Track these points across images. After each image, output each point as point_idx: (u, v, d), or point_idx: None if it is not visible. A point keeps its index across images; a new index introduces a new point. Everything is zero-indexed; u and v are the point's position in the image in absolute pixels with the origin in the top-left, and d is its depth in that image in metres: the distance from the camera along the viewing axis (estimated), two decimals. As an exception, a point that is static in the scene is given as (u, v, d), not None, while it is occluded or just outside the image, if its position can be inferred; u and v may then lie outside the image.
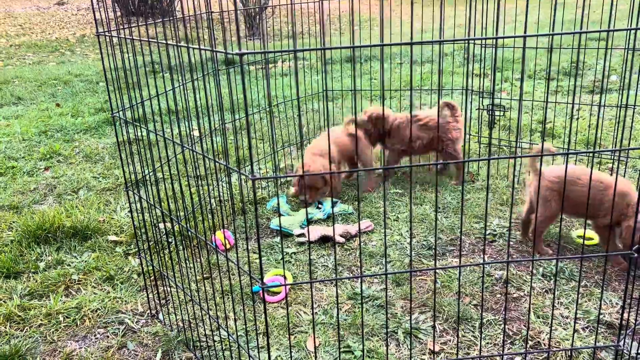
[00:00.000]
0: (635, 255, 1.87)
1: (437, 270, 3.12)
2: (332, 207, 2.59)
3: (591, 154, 3.47)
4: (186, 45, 1.73)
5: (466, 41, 4.14)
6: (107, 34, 2.27)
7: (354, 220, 3.76)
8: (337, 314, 1.90)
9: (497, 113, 4.35)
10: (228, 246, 3.41)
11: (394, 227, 3.65)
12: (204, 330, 2.58)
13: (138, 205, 2.64)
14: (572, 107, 3.01)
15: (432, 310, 2.49)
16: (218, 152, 4.76)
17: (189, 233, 2.42)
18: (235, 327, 2.32)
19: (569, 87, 6.64)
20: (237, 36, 1.35)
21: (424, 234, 3.53)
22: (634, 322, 2.37)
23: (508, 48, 4.48)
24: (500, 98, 4.31)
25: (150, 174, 2.52)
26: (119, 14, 14.81)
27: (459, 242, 3.44)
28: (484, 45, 4.12)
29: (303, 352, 2.53)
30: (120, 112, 2.50)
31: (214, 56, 3.23)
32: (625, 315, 2.58)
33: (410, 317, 2.16)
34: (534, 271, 3.07)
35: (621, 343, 2.20)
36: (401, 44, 1.45)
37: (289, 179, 4.42)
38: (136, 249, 3.33)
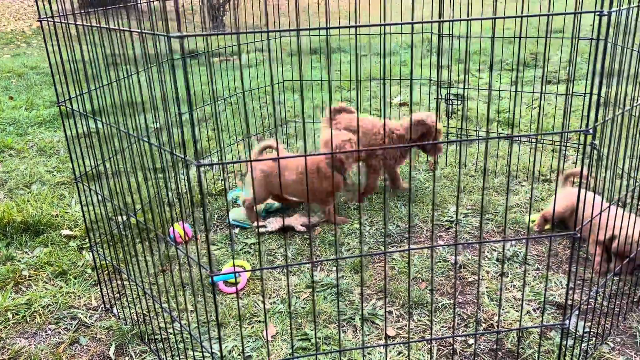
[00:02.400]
0: (578, 235, 1.92)
1: (395, 258, 3.15)
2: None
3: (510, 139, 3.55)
4: (128, 29, 1.68)
5: (412, 24, 4.17)
6: (49, 19, 2.20)
7: (314, 210, 3.75)
8: (289, 302, 1.89)
9: (455, 103, 4.40)
10: (186, 238, 3.36)
11: (354, 216, 3.66)
12: (159, 323, 2.54)
13: (94, 198, 2.58)
14: (515, 95, 3.06)
15: (384, 295, 2.51)
16: (175, 145, 4.68)
17: (145, 226, 2.37)
18: (189, 319, 2.29)
19: (515, 77, 6.78)
20: (177, 18, 1.31)
21: (383, 222, 3.56)
22: (578, 301, 2.45)
23: (473, 38, 4.52)
24: (458, 88, 4.37)
25: (100, 165, 2.45)
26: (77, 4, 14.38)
27: (415, 229, 3.48)
28: (441, 35, 4.16)
29: (260, 342, 2.52)
30: (67, 102, 2.42)
31: (168, 44, 3.17)
32: (571, 295, 2.66)
33: (362, 304, 2.17)
34: (489, 255, 3.13)
35: (567, 322, 2.27)
36: (376, 24, 1.44)
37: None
38: (92, 243, 3.25)
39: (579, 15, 3.74)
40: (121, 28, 1.73)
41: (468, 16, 4.10)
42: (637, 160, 2.58)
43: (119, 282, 2.85)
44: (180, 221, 3.47)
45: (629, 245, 2.67)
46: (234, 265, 1.93)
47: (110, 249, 2.99)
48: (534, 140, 4.56)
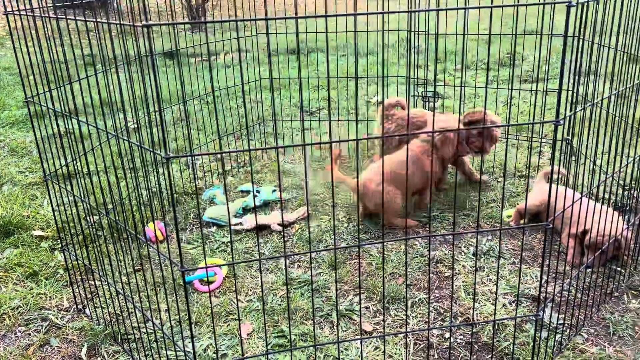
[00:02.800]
0: (550, 226, 1.94)
1: (373, 254, 3.15)
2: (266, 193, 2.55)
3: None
4: (93, 20, 1.65)
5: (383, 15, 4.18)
6: (15, 12, 2.14)
7: (292, 207, 3.73)
8: (262, 298, 1.87)
9: (432, 100, 4.42)
10: (161, 237, 3.31)
11: (331, 213, 3.65)
12: (132, 322, 2.49)
13: (66, 197, 2.52)
14: (486, 92, 3.08)
15: (358, 291, 2.50)
16: (146, 143, 4.62)
17: (118, 226, 2.33)
18: (162, 318, 2.25)
19: (486, 75, 6.85)
20: (144, 5, 1.28)
21: (361, 218, 3.55)
22: (552, 293, 2.47)
23: (450, 37, 4.55)
24: (435, 85, 4.39)
25: (70, 163, 2.40)
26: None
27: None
28: (417, 32, 4.18)
29: (236, 340, 2.49)
30: (36, 97, 2.37)
31: (144, 45, 3.12)
32: (547, 287, 2.69)
33: (337, 299, 2.16)
34: (465, 250, 3.14)
35: (540, 313, 2.28)
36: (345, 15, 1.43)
37: (227, 168, 4.35)
38: (63, 243, 3.19)
39: (552, 14, 3.79)
40: (87, 19, 1.69)
41: (438, 14, 4.12)
42: (609, 153, 2.62)
43: (92, 282, 2.80)
44: (155, 220, 3.42)
45: (601, 237, 2.70)
46: (206, 265, 1.90)
47: (83, 249, 2.94)
48: (511, 136, 4.60)
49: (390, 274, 2.95)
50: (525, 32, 6.06)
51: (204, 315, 2.64)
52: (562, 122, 1.83)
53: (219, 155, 4.54)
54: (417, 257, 3.10)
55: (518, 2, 3.26)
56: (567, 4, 1.72)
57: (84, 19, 1.73)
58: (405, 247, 2.05)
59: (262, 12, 12.03)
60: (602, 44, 2.75)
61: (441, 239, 3.28)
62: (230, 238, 2.09)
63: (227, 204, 1.70)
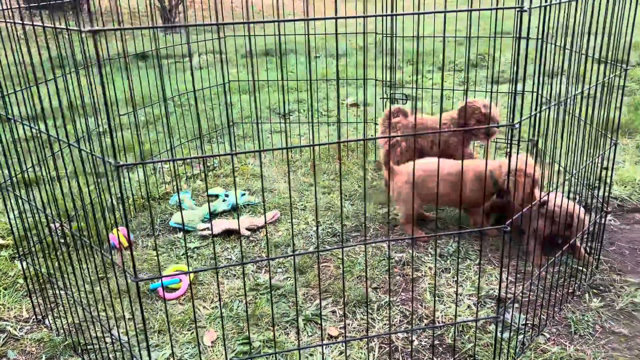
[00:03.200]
0: (508, 229, 1.95)
1: (340, 257, 3.14)
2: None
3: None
4: (41, 25, 1.60)
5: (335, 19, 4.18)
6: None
7: (261, 211, 3.71)
8: (220, 306, 1.84)
9: (402, 102, 4.44)
10: (126, 244, 3.25)
11: (300, 217, 3.63)
12: (91, 333, 2.44)
13: (25, 205, 2.46)
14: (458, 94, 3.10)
15: (319, 295, 2.49)
16: (108, 149, 4.55)
17: (80, 233, 2.28)
18: (126, 327, 2.21)
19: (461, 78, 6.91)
20: (89, 11, 1.25)
21: (330, 222, 3.54)
22: (514, 294, 2.49)
23: (424, 39, 4.58)
24: (410, 88, 4.41)
25: (28, 170, 2.34)
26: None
27: (363, 228, 3.48)
28: (384, 35, 4.19)
29: (200, 347, 2.46)
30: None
31: (122, 49, 3.07)
32: (511, 288, 2.71)
33: (297, 302, 2.15)
34: (432, 252, 3.16)
35: (501, 315, 2.30)
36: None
37: (195, 172, 4.31)
38: (21, 252, 3.11)
39: (519, 15, 3.83)
40: (35, 24, 1.65)
41: (413, 18, 4.14)
42: (573, 154, 2.65)
43: (53, 291, 2.73)
44: (120, 227, 3.36)
45: (558, 208, 2.74)
46: (160, 275, 1.86)
47: (43, 258, 2.87)
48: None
49: (357, 277, 2.95)
50: (498, 35, 6.14)
51: (167, 323, 2.60)
52: (517, 126, 1.85)
53: (188, 160, 4.49)
54: (384, 259, 3.10)
55: (472, 7, 3.28)
56: (519, 9, 1.74)
57: (31, 23, 1.68)
58: (365, 252, 2.04)
59: (239, 11, 11.96)
60: (565, 46, 2.79)
61: (409, 241, 3.29)
62: (184, 239, 2.06)
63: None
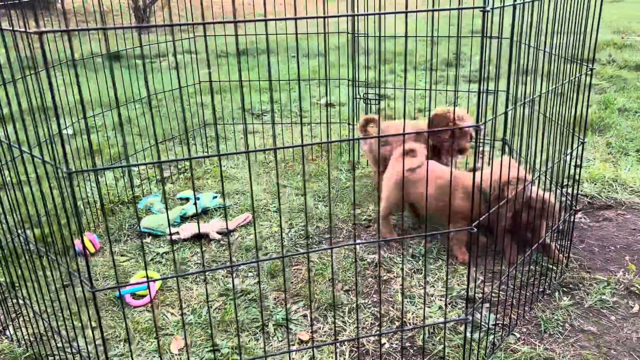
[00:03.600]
0: (475, 230, 1.94)
1: (313, 259, 3.11)
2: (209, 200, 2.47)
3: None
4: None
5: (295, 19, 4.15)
6: None
7: (232, 214, 3.65)
8: (182, 314, 1.79)
9: (373, 102, 4.42)
10: (93, 250, 3.18)
11: (273, 219, 3.59)
12: (53, 344, 2.36)
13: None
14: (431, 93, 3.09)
15: (285, 298, 2.45)
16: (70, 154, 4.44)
17: (45, 241, 2.21)
18: (79, 337, 2.14)
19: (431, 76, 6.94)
20: (34, 15, 1.19)
21: (303, 224, 3.51)
22: (483, 295, 2.49)
23: (390, 38, 4.57)
24: (377, 87, 4.38)
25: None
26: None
27: (335, 228, 3.45)
28: (357, 35, 4.17)
29: (167, 355, 2.40)
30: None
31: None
32: (483, 287, 2.71)
33: (262, 306, 2.10)
34: (404, 252, 3.14)
35: (470, 317, 2.29)
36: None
37: (165, 175, 4.23)
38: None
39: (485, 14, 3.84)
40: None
41: (376, 16, 4.12)
42: (547, 152, 2.66)
43: (14, 302, 2.64)
44: (86, 233, 3.28)
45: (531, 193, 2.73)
46: (118, 284, 1.80)
47: (4, 267, 2.77)
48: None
49: (329, 279, 2.92)
50: (468, 35, 6.16)
51: (134, 331, 2.54)
52: (482, 127, 1.83)
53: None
54: (356, 261, 3.08)
55: (434, 7, 3.32)
56: (481, 9, 1.72)
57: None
58: (331, 257, 2.01)
59: (216, 10, 11.84)
60: (533, 45, 2.79)
61: (382, 242, 3.27)
62: (141, 251, 2.00)
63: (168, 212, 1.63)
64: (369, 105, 4.34)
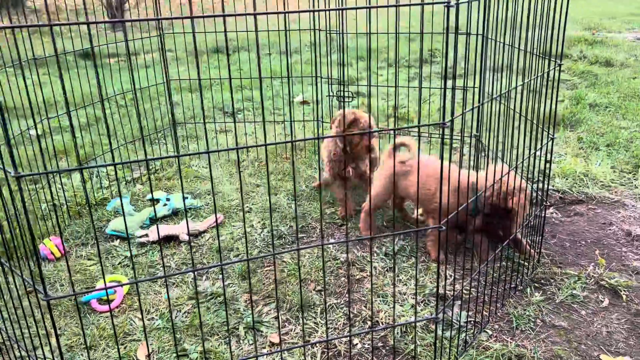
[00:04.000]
0: (444, 228, 1.92)
1: (285, 260, 3.06)
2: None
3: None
4: None
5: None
6: None
7: (203, 214, 3.58)
8: (142, 318, 1.73)
9: (347, 99, 4.39)
10: (58, 254, 3.08)
11: (245, 219, 3.53)
12: (16, 353, 2.28)
13: None
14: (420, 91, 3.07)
15: (250, 298, 2.41)
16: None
17: (5, 246, 2.12)
18: (43, 345, 2.06)
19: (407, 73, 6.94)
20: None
21: (276, 224, 3.46)
22: (454, 293, 2.48)
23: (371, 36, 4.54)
24: (348, 84, 4.37)
25: None
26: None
27: (307, 228, 3.41)
28: (329, 32, 4.13)
29: (132, 362, 2.33)
30: None
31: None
32: (454, 285, 2.70)
33: (227, 311, 2.05)
34: (377, 251, 3.12)
35: (440, 315, 2.28)
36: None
37: (135, 176, 4.14)
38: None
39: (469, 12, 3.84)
40: None
41: (340, 12, 4.09)
42: (511, 148, 2.66)
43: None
44: (51, 237, 3.19)
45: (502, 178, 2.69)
46: (75, 293, 1.73)
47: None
48: (425, 134, 4.65)
49: (302, 280, 2.88)
50: (437, 31, 6.18)
51: (100, 338, 2.46)
52: (447, 124, 1.81)
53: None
54: (329, 260, 3.04)
55: (398, 2, 3.29)
56: (445, 4, 1.70)
57: None
58: (297, 256, 1.97)
59: (182, 11, 11.70)
60: (501, 41, 2.79)
61: (351, 242, 3.25)
62: (128, 250, 1.93)
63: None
64: (343, 103, 4.31)
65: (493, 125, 2.60)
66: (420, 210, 3.40)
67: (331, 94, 4.30)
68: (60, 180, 3.62)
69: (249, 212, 3.63)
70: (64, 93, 1.45)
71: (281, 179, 4.13)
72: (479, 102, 3.79)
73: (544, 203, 2.93)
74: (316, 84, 4.29)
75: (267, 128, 5.05)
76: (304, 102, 6.00)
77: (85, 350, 2.39)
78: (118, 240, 3.27)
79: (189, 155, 1.63)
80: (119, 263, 3.06)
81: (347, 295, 2.75)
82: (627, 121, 5.03)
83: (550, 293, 2.72)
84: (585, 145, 4.52)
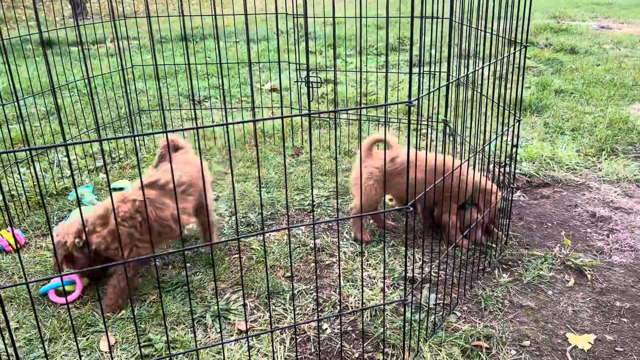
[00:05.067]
0: (411, 209, 1.90)
1: (254, 247, 3.01)
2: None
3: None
4: None
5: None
6: None
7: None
8: (101, 308, 1.66)
9: (315, 85, 4.34)
10: (18, 246, 2.96)
11: (216, 208, 3.46)
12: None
13: None
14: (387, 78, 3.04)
15: (214, 284, 2.36)
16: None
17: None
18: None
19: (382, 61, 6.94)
20: None
21: (244, 211, 3.40)
22: (422, 274, 2.47)
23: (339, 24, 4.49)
24: (317, 69, 4.32)
25: None
26: None
27: (277, 215, 3.37)
28: (295, 16, 4.06)
29: (96, 354, 2.25)
30: None
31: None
32: (422, 269, 2.70)
33: (190, 303, 2.00)
34: (347, 236, 3.09)
35: (409, 298, 2.27)
36: None
37: (99, 165, 4.02)
38: None
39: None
40: None
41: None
42: (479, 132, 2.66)
43: None
44: (8, 227, 3.06)
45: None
46: (29, 285, 1.64)
47: None
48: (394, 119, 4.65)
49: (270, 267, 2.83)
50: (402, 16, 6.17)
51: (60, 330, 2.37)
52: (414, 102, 1.78)
53: (91, 151, 4.18)
54: (298, 246, 3.00)
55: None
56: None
57: None
58: (263, 239, 1.92)
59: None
60: (467, 24, 2.78)
61: (324, 226, 3.22)
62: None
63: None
64: (312, 89, 4.26)
65: (461, 111, 2.61)
66: (388, 196, 3.38)
67: (299, 79, 4.24)
68: (19, 169, 3.48)
69: (216, 200, 3.56)
70: (11, 80, 1.36)
71: (249, 166, 4.06)
72: (447, 86, 3.79)
73: (512, 186, 2.95)
74: (281, 70, 4.22)
75: (234, 115, 4.97)
76: (272, 89, 5.93)
77: (45, 343, 2.30)
78: (80, 231, 3.16)
79: (146, 134, 1.56)
80: (81, 253, 2.95)
81: (316, 281, 2.72)
82: (591, 107, 5.13)
83: (517, 274, 2.74)
84: (551, 130, 4.58)
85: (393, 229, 3.17)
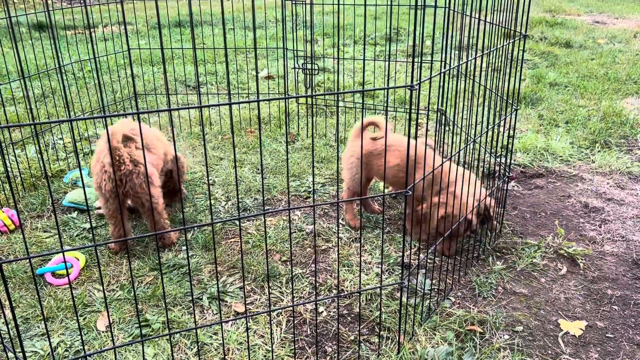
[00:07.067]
0: (410, 193, 1.92)
1: (250, 232, 3.03)
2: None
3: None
4: None
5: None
6: None
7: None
8: (103, 289, 1.67)
9: (313, 72, 4.34)
10: (12, 227, 2.95)
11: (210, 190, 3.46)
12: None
13: None
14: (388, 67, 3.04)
15: (215, 265, 2.37)
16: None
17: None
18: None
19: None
20: None
21: (240, 196, 3.41)
22: (418, 261, 2.50)
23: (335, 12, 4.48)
24: (313, 57, 4.32)
25: None
26: None
27: (273, 200, 3.38)
28: (294, 2, 4.05)
29: (93, 334, 2.26)
30: None
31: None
32: (419, 254, 2.72)
33: (191, 285, 2.01)
34: (342, 222, 3.12)
35: (405, 282, 2.29)
36: None
37: (93, 148, 4.00)
38: None
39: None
40: None
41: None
42: (477, 122, 2.67)
43: None
44: (4, 209, 3.05)
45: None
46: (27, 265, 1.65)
47: None
48: (391, 109, 4.66)
49: (267, 251, 2.84)
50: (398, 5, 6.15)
51: (57, 310, 2.38)
52: (416, 87, 1.80)
53: (86, 134, 4.16)
54: (295, 232, 3.02)
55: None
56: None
57: None
58: (264, 223, 1.93)
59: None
60: (463, 12, 2.79)
61: (320, 212, 3.23)
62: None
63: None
64: (308, 76, 4.26)
65: (458, 101, 2.63)
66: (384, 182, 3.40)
67: (297, 66, 4.24)
68: (14, 151, 3.46)
69: (212, 184, 3.56)
70: (19, 60, 1.35)
71: (245, 152, 4.06)
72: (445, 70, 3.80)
73: (507, 175, 2.98)
74: (277, 57, 4.21)
75: (231, 100, 4.96)
76: (269, 77, 5.91)
77: (42, 322, 2.31)
78: (76, 212, 3.16)
79: (151, 112, 1.56)
80: (77, 235, 2.95)
81: (312, 265, 2.75)
82: (585, 100, 5.17)
83: (511, 262, 2.78)
84: (545, 122, 4.62)
85: (378, 214, 3.19)
